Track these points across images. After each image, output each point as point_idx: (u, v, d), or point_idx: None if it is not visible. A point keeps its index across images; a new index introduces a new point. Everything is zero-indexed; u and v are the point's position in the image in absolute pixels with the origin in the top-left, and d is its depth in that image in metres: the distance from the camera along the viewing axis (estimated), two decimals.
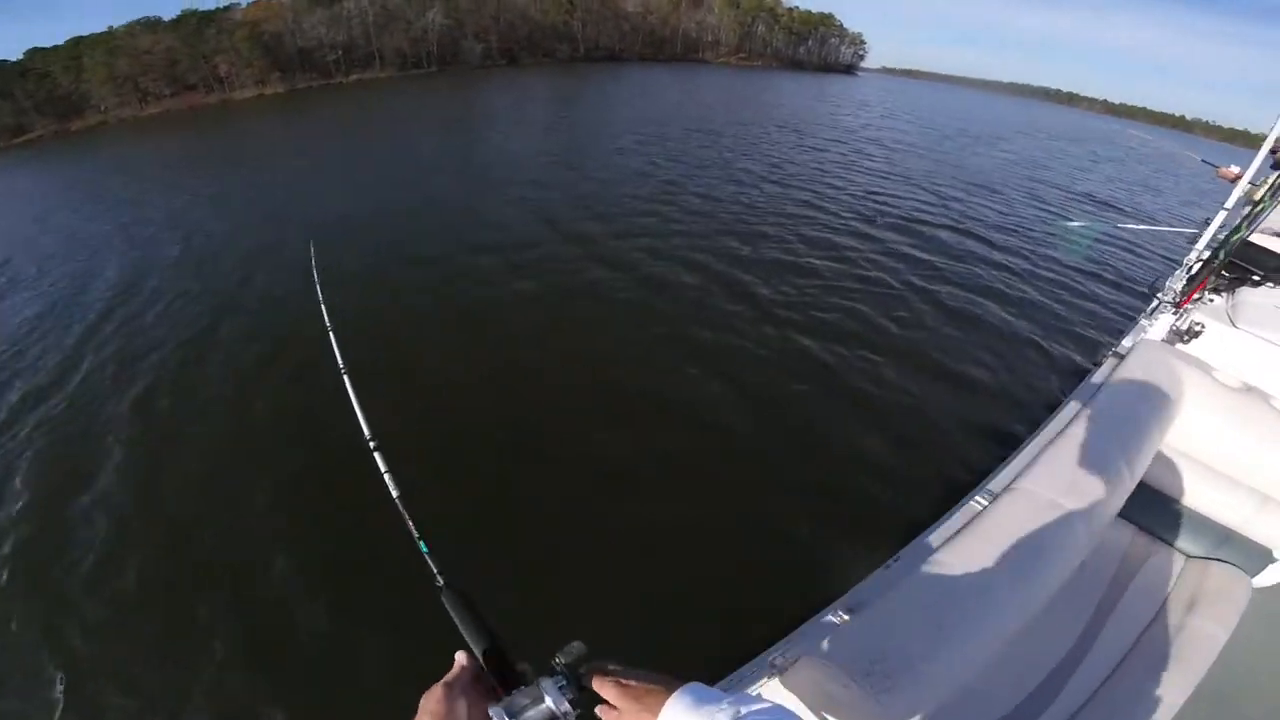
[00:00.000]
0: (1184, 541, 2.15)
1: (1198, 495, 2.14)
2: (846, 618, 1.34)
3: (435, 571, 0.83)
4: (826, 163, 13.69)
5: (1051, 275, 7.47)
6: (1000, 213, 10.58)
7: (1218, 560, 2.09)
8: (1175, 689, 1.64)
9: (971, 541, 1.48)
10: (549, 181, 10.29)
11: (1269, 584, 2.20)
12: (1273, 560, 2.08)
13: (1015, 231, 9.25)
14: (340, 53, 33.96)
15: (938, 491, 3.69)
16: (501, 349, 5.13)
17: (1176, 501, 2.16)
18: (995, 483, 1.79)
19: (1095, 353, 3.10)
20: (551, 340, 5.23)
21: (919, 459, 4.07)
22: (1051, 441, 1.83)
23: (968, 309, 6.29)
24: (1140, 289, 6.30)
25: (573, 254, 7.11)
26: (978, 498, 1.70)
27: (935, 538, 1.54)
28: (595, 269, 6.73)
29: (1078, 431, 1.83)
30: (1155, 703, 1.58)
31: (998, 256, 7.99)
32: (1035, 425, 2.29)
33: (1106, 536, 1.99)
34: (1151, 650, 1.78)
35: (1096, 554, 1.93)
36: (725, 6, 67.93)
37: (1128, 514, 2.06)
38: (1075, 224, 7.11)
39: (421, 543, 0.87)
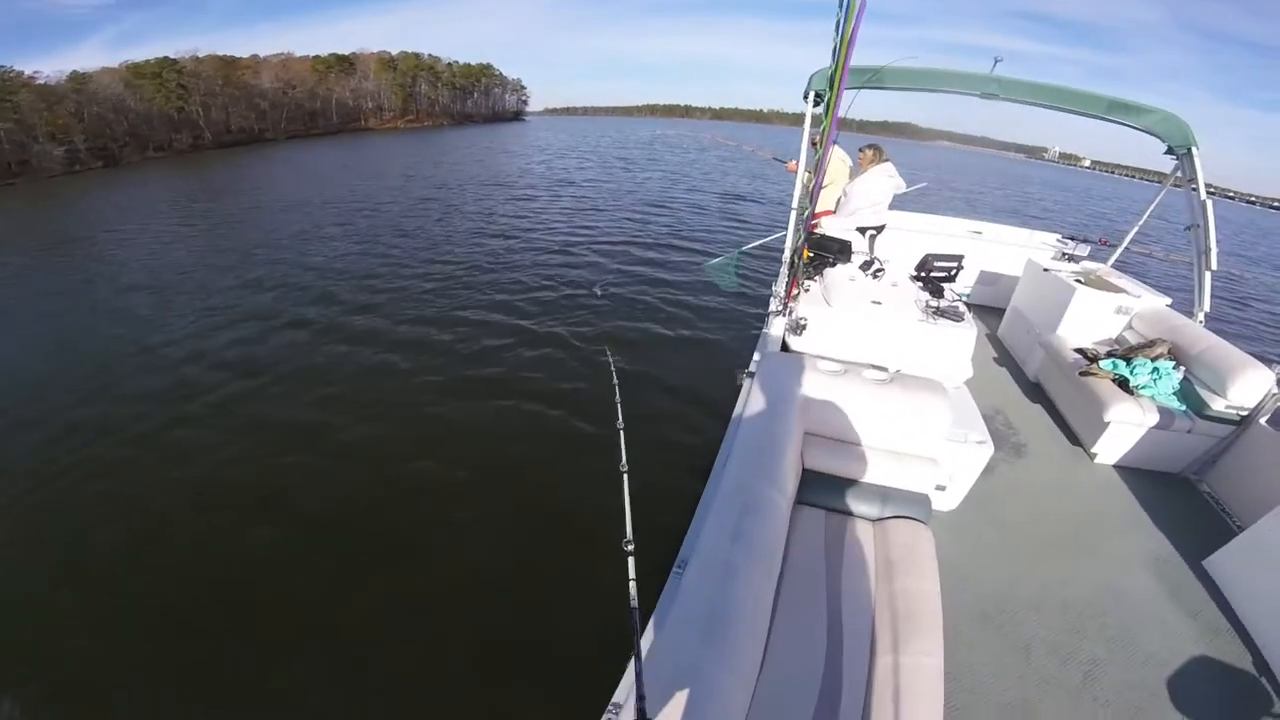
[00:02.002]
0: (864, 509, 2.27)
1: (852, 467, 2.35)
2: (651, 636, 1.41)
3: None
4: (539, 211, 14.90)
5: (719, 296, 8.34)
6: (676, 227, 13.05)
7: (896, 518, 2.23)
8: (929, 641, 1.72)
9: (703, 561, 1.58)
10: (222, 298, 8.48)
11: (943, 524, 2.49)
12: (929, 503, 2.30)
13: (693, 245, 11.23)
14: None
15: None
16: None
17: (841, 478, 2.34)
18: (696, 520, 1.90)
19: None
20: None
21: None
22: (726, 462, 2.06)
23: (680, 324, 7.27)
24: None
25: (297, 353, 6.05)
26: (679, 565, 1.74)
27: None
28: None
29: (741, 448, 2.09)
30: (923, 664, 1.65)
31: (682, 278, 9.16)
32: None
33: (805, 525, 2.15)
34: (892, 615, 1.83)
35: (804, 542, 2.08)
36: (381, 70, 65.92)
37: (812, 500, 2.28)
38: (715, 261, 7.40)
39: None
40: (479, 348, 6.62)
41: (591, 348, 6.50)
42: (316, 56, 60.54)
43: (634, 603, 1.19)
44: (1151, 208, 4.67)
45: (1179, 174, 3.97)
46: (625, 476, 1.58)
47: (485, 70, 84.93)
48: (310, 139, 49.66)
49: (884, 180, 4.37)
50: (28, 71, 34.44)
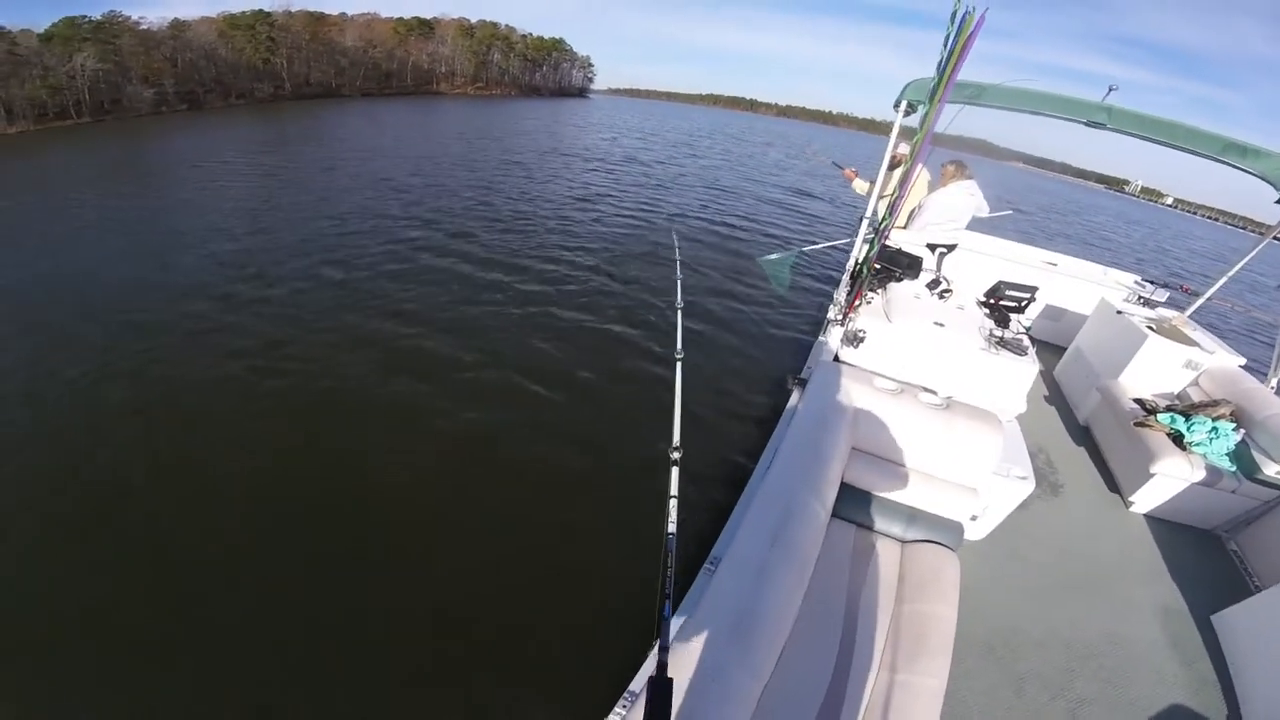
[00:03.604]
0: (895, 529, 2.28)
1: (891, 487, 2.35)
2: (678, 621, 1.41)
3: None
4: (608, 182, 15.59)
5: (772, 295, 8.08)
6: (741, 211, 13.40)
7: (925, 541, 2.24)
8: (935, 663, 1.73)
9: (727, 573, 1.59)
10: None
11: (967, 552, 2.50)
12: (962, 531, 2.30)
13: (756, 230, 11.65)
14: None
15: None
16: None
17: (877, 496, 2.35)
18: (732, 520, 1.95)
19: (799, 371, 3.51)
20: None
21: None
22: (769, 467, 2.10)
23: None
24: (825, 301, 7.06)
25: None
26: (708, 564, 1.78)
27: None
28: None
29: (786, 454, 2.13)
30: (925, 686, 1.67)
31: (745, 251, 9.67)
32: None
33: (834, 538, 2.19)
34: (903, 634, 1.85)
35: (831, 555, 2.11)
36: (459, 36, 66.86)
37: (845, 514, 2.30)
38: (772, 257, 7.11)
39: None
40: (555, 276, 7.60)
41: (655, 269, 7.80)
42: (399, 19, 62.05)
43: (671, 525, 1.15)
44: (1246, 260, 4.39)
45: None
46: (679, 364, 1.49)
47: (557, 44, 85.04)
48: (383, 98, 51.00)
49: (964, 198, 4.24)
50: (134, 17, 36.60)
